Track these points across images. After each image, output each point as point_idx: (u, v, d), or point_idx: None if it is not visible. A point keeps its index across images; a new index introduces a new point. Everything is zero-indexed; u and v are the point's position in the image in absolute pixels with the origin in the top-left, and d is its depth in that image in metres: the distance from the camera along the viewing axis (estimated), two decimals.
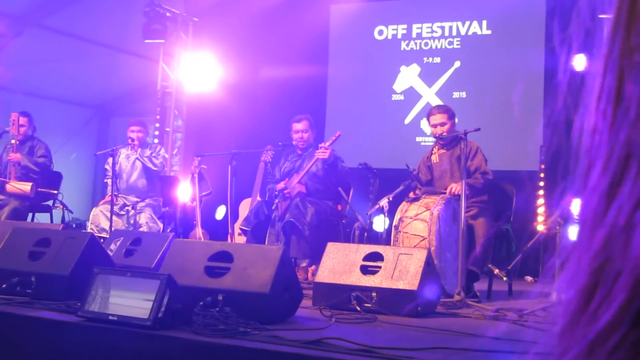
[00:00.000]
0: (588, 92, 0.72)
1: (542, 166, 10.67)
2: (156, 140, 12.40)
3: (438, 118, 7.88)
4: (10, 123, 9.98)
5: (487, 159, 7.79)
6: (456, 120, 8.00)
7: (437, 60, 12.01)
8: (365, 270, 5.77)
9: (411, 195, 7.67)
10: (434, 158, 8.03)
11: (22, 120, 10.14)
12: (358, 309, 5.49)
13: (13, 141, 10.05)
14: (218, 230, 10.45)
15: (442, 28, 11.99)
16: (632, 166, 0.62)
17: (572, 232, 9.40)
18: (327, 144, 8.66)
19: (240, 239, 9.10)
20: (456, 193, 7.27)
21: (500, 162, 8.45)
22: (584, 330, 0.62)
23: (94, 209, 10.01)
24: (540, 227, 10.00)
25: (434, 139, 8.35)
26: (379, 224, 8.10)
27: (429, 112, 8.16)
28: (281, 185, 8.90)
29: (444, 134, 7.80)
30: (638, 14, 0.66)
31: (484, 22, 11.67)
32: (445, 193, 7.54)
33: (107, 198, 9.75)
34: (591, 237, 0.64)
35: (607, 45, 0.70)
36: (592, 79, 0.70)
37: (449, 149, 7.92)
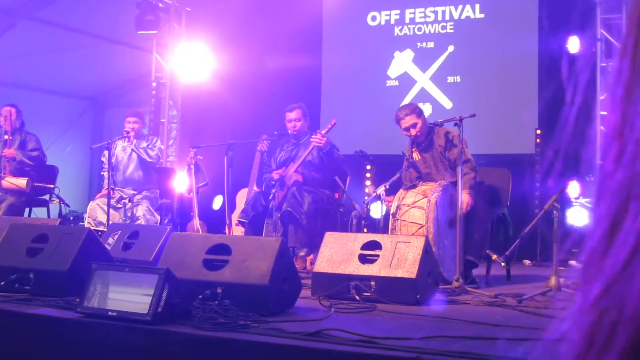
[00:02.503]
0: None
1: (538, 149, 10.70)
2: (148, 131, 12.41)
3: (408, 120, 7.76)
4: (2, 118, 9.94)
5: (482, 143, 7.77)
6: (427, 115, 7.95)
7: (431, 45, 12.05)
8: (363, 259, 5.78)
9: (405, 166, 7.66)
10: (415, 156, 7.96)
11: (11, 111, 10.10)
12: (357, 298, 5.51)
13: (6, 136, 10.00)
14: (215, 221, 10.49)
15: (435, 13, 12.02)
16: (631, 209, 0.61)
17: (570, 215, 9.49)
18: (323, 132, 8.67)
19: (238, 229, 9.12)
20: (469, 206, 7.22)
21: (495, 145, 8.47)
22: None
23: (91, 202, 10.02)
24: (537, 211, 10.03)
25: (429, 124, 8.28)
26: (377, 211, 8.12)
27: (396, 118, 7.97)
28: (277, 173, 8.92)
29: (417, 134, 7.76)
30: None
31: (477, 6, 11.71)
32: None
33: (104, 191, 9.77)
34: (593, 279, 0.63)
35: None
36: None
37: (426, 150, 7.84)
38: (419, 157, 7.91)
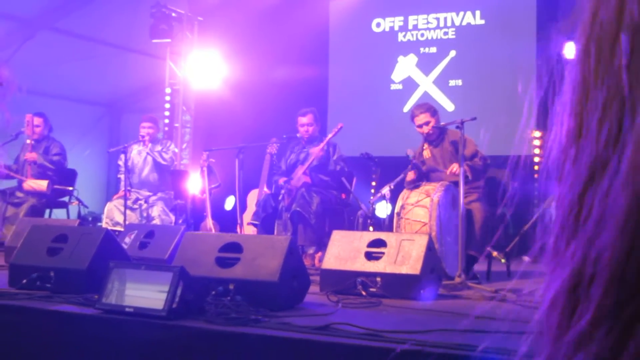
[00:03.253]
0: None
1: (537, 151, 10.84)
2: (161, 135, 12.58)
3: (422, 118, 8.00)
4: (25, 124, 10.16)
5: (484, 144, 7.93)
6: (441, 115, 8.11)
7: (433, 50, 12.18)
8: (369, 256, 5.87)
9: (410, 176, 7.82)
10: (425, 154, 8.13)
11: (37, 120, 10.30)
12: (363, 293, 5.60)
13: (28, 141, 10.21)
14: (227, 221, 10.56)
15: (437, 19, 12.16)
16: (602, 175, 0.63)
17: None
18: (324, 141, 8.86)
19: (249, 229, 9.24)
20: (456, 172, 7.38)
21: (496, 147, 8.59)
22: (567, 332, 0.63)
23: (108, 203, 10.18)
24: (536, 209, 10.14)
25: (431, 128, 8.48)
26: (382, 210, 8.27)
27: (411, 114, 8.25)
28: (283, 179, 9.06)
29: (429, 132, 7.94)
30: None
31: (477, 13, 11.85)
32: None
33: (121, 193, 9.93)
34: (568, 240, 0.65)
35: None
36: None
37: (437, 146, 8.03)
38: (429, 155, 8.08)
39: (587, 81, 0.66)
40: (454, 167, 7.48)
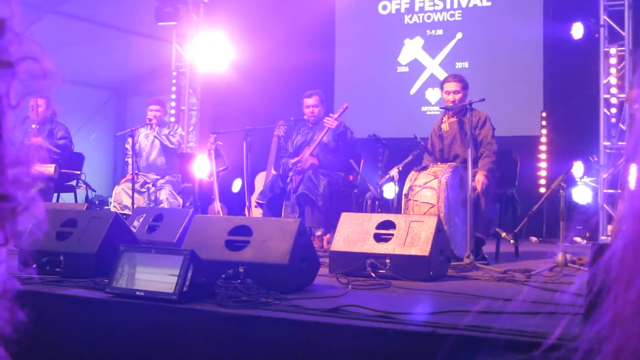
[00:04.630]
0: None
1: (544, 131, 10.85)
2: (173, 119, 12.60)
3: (452, 86, 7.99)
4: (30, 108, 10.16)
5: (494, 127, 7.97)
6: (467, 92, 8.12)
7: (440, 32, 12.21)
8: (378, 238, 5.90)
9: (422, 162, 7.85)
10: (444, 127, 8.11)
11: (40, 101, 10.31)
12: (373, 275, 5.62)
13: (34, 126, 10.21)
14: (235, 203, 10.62)
15: (444, 1, 12.20)
16: None
17: (575, 194, 9.63)
18: (336, 115, 8.84)
19: (257, 211, 9.26)
20: (483, 187, 7.42)
21: (503, 128, 8.61)
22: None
23: (115, 187, 10.22)
24: (543, 190, 10.17)
25: (439, 109, 8.50)
26: (390, 192, 8.28)
27: (444, 79, 8.29)
28: (294, 160, 9.07)
29: (455, 102, 7.94)
30: None
31: None
32: (454, 161, 7.72)
33: (128, 176, 9.95)
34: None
35: None
36: None
37: (459, 117, 8.04)
38: (448, 128, 8.09)
39: None
40: (481, 183, 7.45)
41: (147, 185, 10.11)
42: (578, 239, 9.50)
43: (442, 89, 8.14)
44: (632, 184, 0.68)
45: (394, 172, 7.51)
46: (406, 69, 12.50)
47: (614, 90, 10.13)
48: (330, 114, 9.01)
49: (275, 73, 12.52)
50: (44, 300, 4.68)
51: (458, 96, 7.92)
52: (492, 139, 7.81)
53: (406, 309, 4.16)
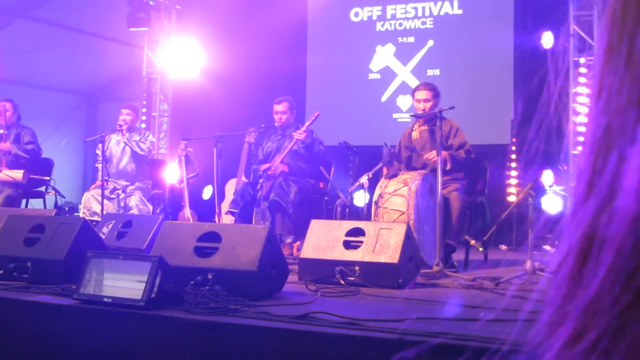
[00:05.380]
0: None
1: (513, 140, 10.91)
2: (144, 125, 12.57)
3: (423, 94, 8.03)
4: None
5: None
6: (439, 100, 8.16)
7: (412, 39, 12.27)
8: (348, 245, 5.89)
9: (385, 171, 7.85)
10: (415, 134, 8.15)
11: (7, 105, 10.23)
12: (342, 282, 5.61)
13: (1, 131, 10.16)
14: (205, 210, 10.62)
15: (416, 9, 12.24)
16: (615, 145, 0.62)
17: (544, 202, 9.69)
18: (305, 125, 8.87)
19: (227, 218, 9.26)
20: (432, 159, 7.45)
21: (473, 136, 8.65)
22: (578, 297, 0.62)
23: (85, 193, 10.16)
24: (513, 198, 10.23)
25: (409, 117, 8.55)
26: (360, 199, 8.30)
27: (416, 87, 8.33)
28: (264, 166, 9.08)
29: (426, 110, 7.96)
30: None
31: (455, 2, 11.98)
32: (424, 169, 7.74)
33: (98, 182, 9.90)
34: (582, 207, 0.64)
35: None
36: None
37: (429, 126, 8.05)
38: (418, 136, 8.12)
39: (610, 46, 0.65)
40: (432, 153, 7.51)
41: (116, 191, 10.06)
42: (547, 247, 9.56)
43: (413, 96, 8.19)
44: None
45: (364, 179, 7.53)
46: (378, 76, 12.53)
47: (582, 99, 10.20)
48: (299, 125, 9.03)
49: (246, 79, 12.53)
50: (10, 306, 4.66)
51: (429, 104, 7.96)
52: (469, 147, 7.87)
53: (374, 315, 4.16)
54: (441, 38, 12.06)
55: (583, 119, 10.03)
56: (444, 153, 7.41)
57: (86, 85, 16.17)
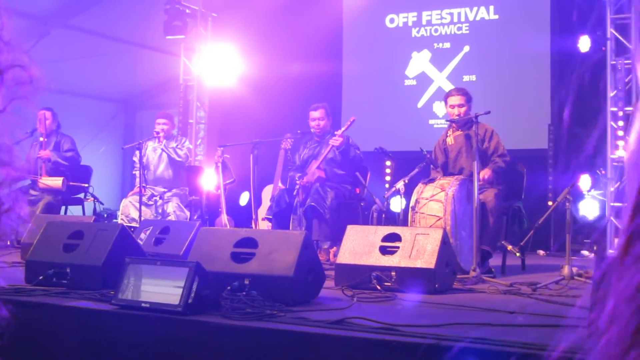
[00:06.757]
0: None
1: (551, 144, 10.84)
2: (179, 132, 12.64)
3: (457, 99, 8.02)
4: (38, 121, 10.21)
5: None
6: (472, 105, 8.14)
7: (447, 45, 12.25)
8: (384, 250, 5.89)
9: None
10: (449, 140, 8.14)
11: (47, 114, 10.35)
12: (378, 288, 5.61)
13: (41, 138, 10.27)
14: (242, 216, 10.64)
15: (451, 14, 12.22)
16: None
17: (582, 207, 9.62)
18: (341, 131, 8.86)
19: (264, 224, 9.29)
20: (486, 178, 7.48)
21: (510, 141, 8.62)
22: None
23: (123, 200, 10.24)
24: (550, 203, 10.16)
25: (446, 122, 8.52)
26: (396, 205, 8.29)
27: (448, 93, 8.31)
28: (299, 176, 9.09)
29: (460, 115, 7.95)
30: None
31: (491, 8, 11.92)
32: (460, 174, 7.73)
33: (136, 189, 9.94)
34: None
35: None
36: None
37: (464, 131, 8.03)
38: (453, 142, 8.10)
39: None
40: (485, 173, 7.51)
41: (154, 198, 10.12)
42: (585, 253, 9.49)
43: (446, 103, 8.18)
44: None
45: (400, 184, 7.51)
46: (413, 82, 12.52)
47: (620, 103, 10.12)
48: (335, 132, 9.02)
49: (282, 86, 12.56)
50: (50, 311, 4.69)
51: (463, 109, 7.95)
52: (504, 151, 7.86)
53: (411, 321, 4.14)
54: (477, 43, 12.03)
55: (621, 122, 9.95)
56: (488, 172, 7.42)
57: (124, 93, 16.32)
